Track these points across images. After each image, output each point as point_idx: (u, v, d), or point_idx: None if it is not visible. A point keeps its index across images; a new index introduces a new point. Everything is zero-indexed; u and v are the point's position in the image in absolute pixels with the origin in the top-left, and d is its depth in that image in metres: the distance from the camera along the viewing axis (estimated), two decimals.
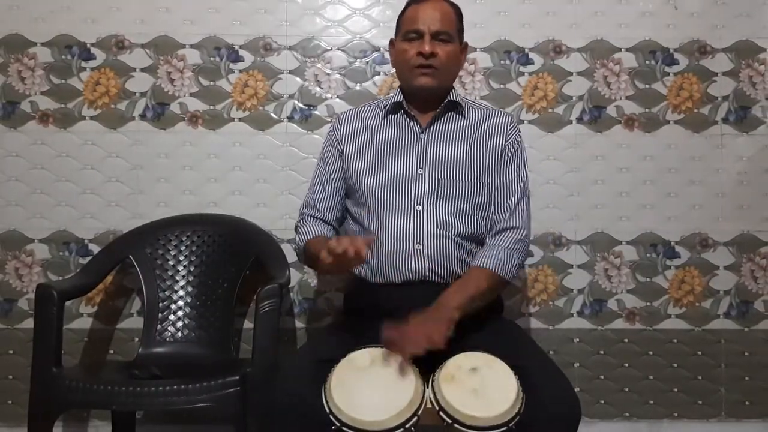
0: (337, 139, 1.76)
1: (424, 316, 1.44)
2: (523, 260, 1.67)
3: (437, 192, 1.65)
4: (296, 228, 1.78)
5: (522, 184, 1.70)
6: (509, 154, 1.71)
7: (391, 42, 1.77)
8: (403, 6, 1.74)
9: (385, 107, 1.75)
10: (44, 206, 2.14)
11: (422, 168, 1.67)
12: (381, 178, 1.67)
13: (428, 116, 1.71)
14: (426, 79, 1.65)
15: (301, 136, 2.17)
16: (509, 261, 1.60)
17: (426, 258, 1.61)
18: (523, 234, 1.65)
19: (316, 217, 1.74)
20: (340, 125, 1.78)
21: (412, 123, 1.72)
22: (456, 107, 1.73)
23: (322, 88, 2.18)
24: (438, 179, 1.66)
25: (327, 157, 1.77)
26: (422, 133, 1.70)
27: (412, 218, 1.63)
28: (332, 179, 1.75)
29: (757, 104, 2.21)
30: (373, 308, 1.59)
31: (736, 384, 2.19)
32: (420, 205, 1.64)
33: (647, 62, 2.20)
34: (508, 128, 1.73)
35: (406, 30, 1.68)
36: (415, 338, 1.37)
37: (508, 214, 1.66)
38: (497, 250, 1.61)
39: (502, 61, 2.19)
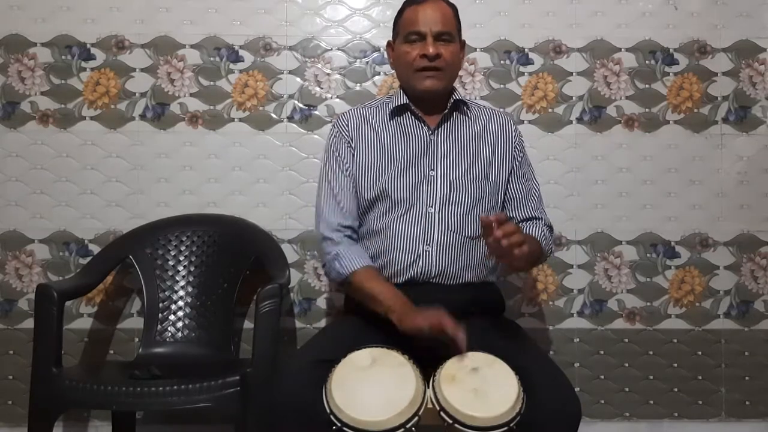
0: (348, 141, 1.72)
1: None
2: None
3: (450, 193, 1.65)
4: (327, 247, 1.65)
5: (538, 184, 1.79)
6: (519, 157, 1.76)
7: (389, 44, 1.76)
8: (401, 5, 1.72)
9: (389, 108, 1.73)
10: (44, 206, 2.14)
11: (434, 170, 1.67)
12: (392, 181, 1.67)
13: (435, 117, 1.71)
14: (432, 82, 1.64)
15: (301, 136, 2.17)
16: (550, 244, 1.73)
17: (434, 260, 1.62)
18: (554, 234, 1.79)
19: (348, 234, 1.67)
20: (347, 126, 1.74)
21: (420, 124, 1.71)
22: (460, 107, 1.73)
23: (322, 88, 2.18)
24: (450, 180, 1.66)
25: (343, 159, 1.71)
26: (432, 134, 1.70)
27: (423, 220, 1.63)
28: (353, 183, 1.70)
29: (757, 104, 2.21)
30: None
31: (736, 384, 2.19)
32: (432, 206, 1.64)
33: (647, 62, 2.20)
34: (512, 129, 1.76)
35: (406, 32, 1.66)
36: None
37: (537, 214, 1.74)
38: (540, 230, 1.70)
39: (502, 61, 2.19)
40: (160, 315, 2.02)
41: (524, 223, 1.73)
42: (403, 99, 1.72)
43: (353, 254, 1.62)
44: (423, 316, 1.41)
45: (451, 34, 1.65)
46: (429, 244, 1.62)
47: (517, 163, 1.75)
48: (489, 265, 1.68)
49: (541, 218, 1.75)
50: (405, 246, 1.62)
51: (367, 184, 1.68)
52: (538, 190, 1.79)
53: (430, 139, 1.70)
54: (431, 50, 1.62)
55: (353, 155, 1.72)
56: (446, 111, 1.70)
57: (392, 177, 1.67)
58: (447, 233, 1.63)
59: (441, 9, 1.66)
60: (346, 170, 1.70)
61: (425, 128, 1.71)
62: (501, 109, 2.11)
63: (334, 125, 1.79)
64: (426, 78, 1.64)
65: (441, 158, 1.68)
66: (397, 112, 1.73)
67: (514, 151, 1.75)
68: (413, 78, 1.66)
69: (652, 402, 2.19)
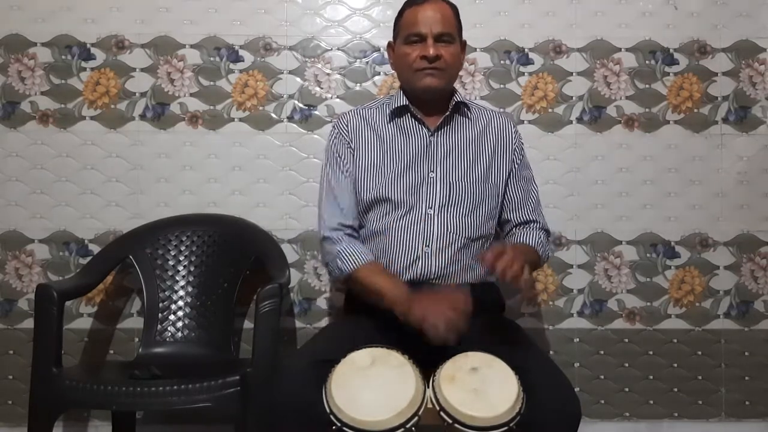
0: (348, 141, 1.73)
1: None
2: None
3: (449, 195, 1.65)
4: (329, 242, 1.66)
5: (536, 186, 1.79)
6: (518, 159, 1.76)
7: (390, 45, 1.76)
8: (401, 6, 1.72)
9: (389, 110, 1.73)
10: (44, 206, 2.14)
11: (434, 171, 1.67)
12: (392, 182, 1.67)
13: (435, 118, 1.71)
14: (431, 80, 1.64)
15: (301, 136, 2.17)
16: (546, 248, 1.73)
17: (433, 261, 1.62)
18: (551, 236, 1.80)
19: (349, 232, 1.67)
20: (347, 127, 1.74)
21: (419, 126, 1.71)
22: (461, 109, 1.73)
23: (322, 88, 2.18)
24: (450, 182, 1.66)
25: (344, 159, 1.71)
26: (432, 135, 1.70)
27: (422, 222, 1.63)
28: (353, 181, 1.70)
29: (757, 104, 2.21)
30: (374, 309, 1.59)
31: (736, 384, 2.19)
32: (431, 208, 1.64)
33: (647, 62, 2.20)
34: (512, 131, 1.77)
35: (407, 33, 1.65)
36: (516, 262, 1.37)
37: (532, 218, 1.74)
38: (535, 234, 1.70)
39: (502, 61, 2.19)
40: (160, 315, 2.02)
41: (520, 228, 1.73)
42: (403, 100, 1.71)
43: (355, 251, 1.63)
44: (422, 308, 1.40)
45: (451, 35, 1.65)
46: (428, 246, 1.62)
47: (516, 165, 1.75)
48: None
49: (538, 221, 1.75)
50: (404, 247, 1.62)
51: (367, 185, 1.68)
52: (537, 192, 1.79)
53: (430, 141, 1.69)
54: (431, 51, 1.61)
55: (353, 156, 1.72)
56: (447, 113, 1.70)
57: (392, 179, 1.67)
58: (446, 235, 1.63)
59: (441, 10, 1.65)
60: (346, 171, 1.71)
61: (425, 130, 1.70)
62: (501, 110, 2.11)
63: (334, 126, 1.79)
64: (426, 76, 1.64)
65: (440, 160, 1.68)
66: (397, 113, 1.73)
67: (513, 153, 1.75)
68: (413, 78, 1.66)
69: (652, 402, 2.19)
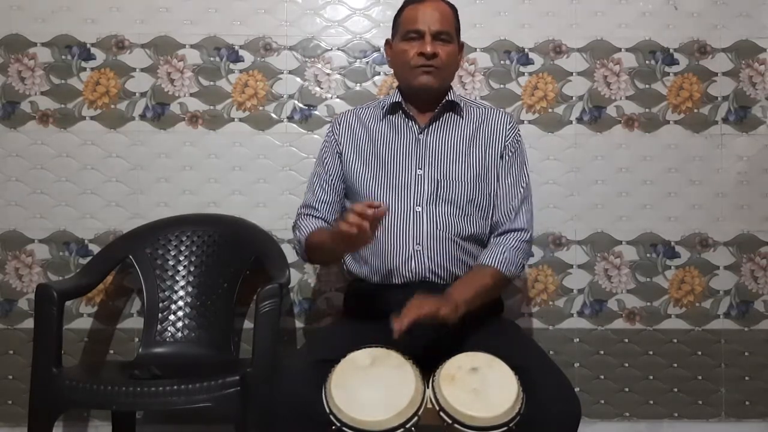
0: (336, 140, 1.75)
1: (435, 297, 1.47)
2: (527, 260, 1.70)
3: (437, 192, 1.65)
4: (294, 226, 1.77)
5: (524, 185, 1.71)
6: (509, 154, 1.71)
7: (387, 42, 1.76)
8: (402, 4, 1.73)
9: (383, 107, 1.74)
10: (44, 206, 2.14)
11: (421, 168, 1.67)
12: (380, 179, 1.67)
13: (427, 116, 1.71)
14: (427, 78, 1.64)
15: (301, 136, 2.17)
16: (514, 260, 1.63)
17: (426, 259, 1.61)
18: (528, 235, 1.68)
19: (315, 216, 1.73)
20: (339, 125, 1.77)
21: (410, 123, 1.71)
22: (454, 107, 1.73)
23: (322, 88, 2.18)
24: (437, 180, 1.66)
25: (325, 157, 1.77)
26: (421, 133, 1.70)
27: (411, 219, 1.63)
28: (331, 180, 1.74)
29: (757, 104, 2.21)
30: (373, 309, 1.59)
31: (736, 384, 2.19)
32: (419, 205, 1.64)
33: (647, 62, 2.20)
34: (507, 128, 1.73)
35: (405, 30, 1.66)
36: (426, 304, 1.39)
37: (512, 216, 1.68)
38: (502, 249, 1.63)
39: (502, 61, 2.19)
40: (160, 315, 2.02)
41: (493, 240, 1.68)
42: (397, 98, 1.72)
43: (306, 225, 1.70)
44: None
45: (449, 33, 1.66)
46: (419, 243, 1.62)
47: (504, 160, 1.70)
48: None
49: (513, 221, 1.66)
50: (396, 246, 1.62)
51: (357, 183, 1.69)
52: (525, 188, 1.71)
53: (419, 138, 1.70)
54: (429, 49, 1.62)
55: (341, 159, 1.74)
56: (437, 110, 1.70)
57: (380, 175, 1.68)
58: (436, 232, 1.62)
59: (440, 9, 1.66)
60: (327, 173, 1.75)
61: (415, 127, 1.71)
62: (500, 108, 2.10)
63: (330, 125, 1.82)
64: (422, 74, 1.64)
65: (429, 157, 1.68)
66: (390, 110, 1.74)
67: (505, 148, 1.71)
68: (410, 75, 1.66)
69: (652, 402, 2.19)
